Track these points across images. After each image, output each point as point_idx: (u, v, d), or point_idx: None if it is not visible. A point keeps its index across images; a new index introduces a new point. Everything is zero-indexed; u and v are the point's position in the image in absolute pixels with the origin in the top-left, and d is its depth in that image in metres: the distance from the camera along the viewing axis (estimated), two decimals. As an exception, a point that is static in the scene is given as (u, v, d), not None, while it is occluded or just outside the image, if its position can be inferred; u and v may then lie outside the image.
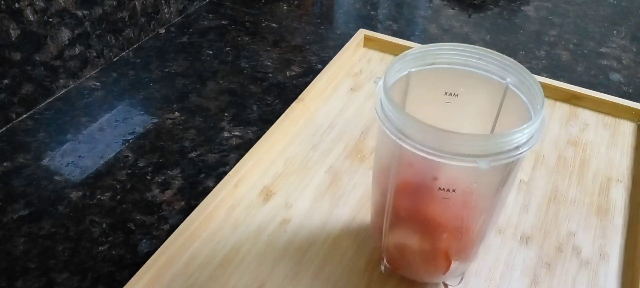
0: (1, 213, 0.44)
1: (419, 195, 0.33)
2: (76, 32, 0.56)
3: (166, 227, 0.43)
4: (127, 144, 0.51)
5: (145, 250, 0.41)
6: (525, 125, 0.27)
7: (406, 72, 0.33)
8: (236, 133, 0.52)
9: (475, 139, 0.29)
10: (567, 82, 0.56)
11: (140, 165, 0.48)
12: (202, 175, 0.48)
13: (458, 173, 0.31)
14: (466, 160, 0.27)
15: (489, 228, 0.34)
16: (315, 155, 0.49)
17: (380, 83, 0.30)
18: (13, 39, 0.50)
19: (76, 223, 0.43)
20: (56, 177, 0.47)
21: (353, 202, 0.44)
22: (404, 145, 0.28)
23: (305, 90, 0.54)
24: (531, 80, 0.31)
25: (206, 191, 0.44)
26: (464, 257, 0.36)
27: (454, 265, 0.35)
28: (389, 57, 0.61)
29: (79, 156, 0.49)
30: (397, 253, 0.37)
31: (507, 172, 0.30)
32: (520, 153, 0.27)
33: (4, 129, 0.52)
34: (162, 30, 0.68)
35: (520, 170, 0.34)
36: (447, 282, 0.38)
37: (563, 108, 0.55)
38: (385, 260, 0.38)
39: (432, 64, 0.34)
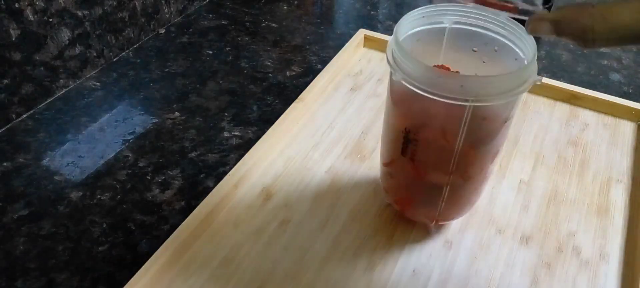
0: (1, 213, 0.44)
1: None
2: (76, 32, 0.56)
3: (166, 227, 0.43)
4: (127, 144, 0.51)
5: (145, 250, 0.41)
6: (522, 67, 0.31)
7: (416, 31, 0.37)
8: (236, 133, 0.52)
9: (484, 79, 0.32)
10: (567, 82, 0.56)
11: (140, 165, 0.48)
12: (202, 175, 0.48)
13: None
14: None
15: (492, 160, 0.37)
16: (315, 155, 0.49)
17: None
18: (13, 39, 0.50)
19: (76, 223, 0.43)
20: (56, 177, 0.47)
21: (353, 202, 0.44)
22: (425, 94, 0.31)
23: (305, 90, 0.54)
24: (522, 32, 0.34)
25: (206, 191, 0.44)
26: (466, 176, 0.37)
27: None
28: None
29: (79, 156, 0.49)
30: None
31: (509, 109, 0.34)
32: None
33: (4, 129, 0.52)
34: (162, 30, 0.68)
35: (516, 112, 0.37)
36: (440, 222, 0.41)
37: (563, 108, 0.55)
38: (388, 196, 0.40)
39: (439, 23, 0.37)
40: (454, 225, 0.42)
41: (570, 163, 0.49)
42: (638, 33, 0.25)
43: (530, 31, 0.31)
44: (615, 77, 0.62)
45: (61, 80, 0.56)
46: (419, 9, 0.36)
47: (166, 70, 0.61)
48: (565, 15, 0.28)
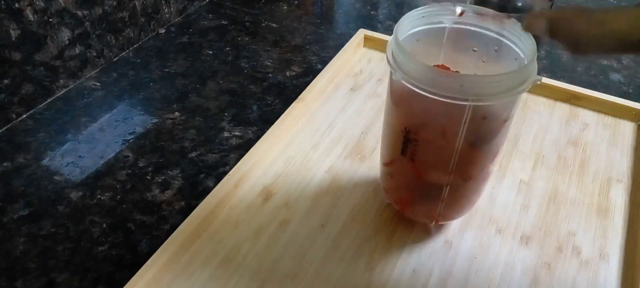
0: (1, 213, 0.44)
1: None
2: (76, 32, 0.56)
3: (166, 227, 0.43)
4: (127, 144, 0.51)
5: (145, 250, 0.41)
6: (522, 67, 0.31)
7: (415, 31, 0.37)
8: (236, 133, 0.52)
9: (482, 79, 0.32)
10: (567, 82, 0.56)
11: (140, 165, 0.48)
12: (202, 175, 0.48)
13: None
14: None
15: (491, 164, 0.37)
16: (315, 155, 0.49)
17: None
18: (13, 39, 0.50)
19: (76, 223, 0.43)
20: (56, 177, 0.47)
21: (353, 202, 0.44)
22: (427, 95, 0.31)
23: (305, 90, 0.54)
24: (521, 32, 0.34)
25: (206, 191, 0.44)
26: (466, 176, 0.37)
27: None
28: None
29: (79, 156, 0.49)
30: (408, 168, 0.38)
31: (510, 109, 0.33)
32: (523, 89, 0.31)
33: (4, 129, 0.52)
34: (162, 30, 0.68)
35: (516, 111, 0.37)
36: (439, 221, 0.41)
37: (563, 108, 0.55)
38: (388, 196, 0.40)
39: (439, 23, 0.37)
40: (454, 225, 0.42)
41: (570, 163, 0.49)
42: (632, 41, 0.25)
43: (525, 28, 0.31)
44: (615, 77, 0.62)
45: (61, 80, 0.56)
46: (419, 8, 0.36)
47: (166, 70, 0.61)
48: (563, 15, 0.28)
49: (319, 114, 0.53)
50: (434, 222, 0.41)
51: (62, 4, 0.53)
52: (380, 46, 0.62)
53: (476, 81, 0.31)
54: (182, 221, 0.40)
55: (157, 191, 0.46)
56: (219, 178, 0.46)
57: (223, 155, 0.50)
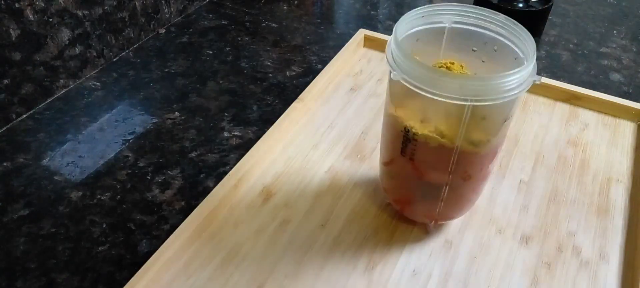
0: (1, 213, 0.44)
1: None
2: (76, 32, 0.56)
3: (166, 227, 0.43)
4: (127, 144, 0.51)
5: (145, 250, 0.41)
6: (521, 67, 0.31)
7: (415, 31, 0.37)
8: (236, 133, 0.52)
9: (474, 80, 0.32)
10: (567, 82, 0.56)
11: (140, 165, 0.48)
12: (202, 175, 0.48)
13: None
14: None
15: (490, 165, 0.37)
16: (315, 155, 0.49)
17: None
18: (13, 39, 0.50)
19: (76, 223, 0.43)
20: (56, 177, 0.47)
21: (353, 202, 0.44)
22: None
23: (305, 90, 0.54)
24: (521, 32, 0.34)
25: (206, 191, 0.44)
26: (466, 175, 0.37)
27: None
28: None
29: (79, 156, 0.49)
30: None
31: (508, 109, 0.34)
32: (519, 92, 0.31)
33: (4, 129, 0.52)
34: (162, 30, 0.68)
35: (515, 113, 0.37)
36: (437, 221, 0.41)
37: (563, 108, 0.55)
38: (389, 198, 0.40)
39: (439, 23, 0.37)
40: (454, 225, 0.42)
41: (570, 163, 0.49)
42: None
43: None
44: (615, 77, 0.62)
45: (61, 80, 0.56)
46: (418, 8, 0.36)
47: (166, 70, 0.61)
48: None
49: (319, 114, 0.53)
50: (433, 222, 0.41)
51: (62, 4, 0.53)
52: (380, 46, 0.62)
53: (476, 81, 0.31)
54: (182, 221, 0.40)
55: (157, 191, 0.46)
56: (219, 178, 0.46)
57: (223, 155, 0.50)
